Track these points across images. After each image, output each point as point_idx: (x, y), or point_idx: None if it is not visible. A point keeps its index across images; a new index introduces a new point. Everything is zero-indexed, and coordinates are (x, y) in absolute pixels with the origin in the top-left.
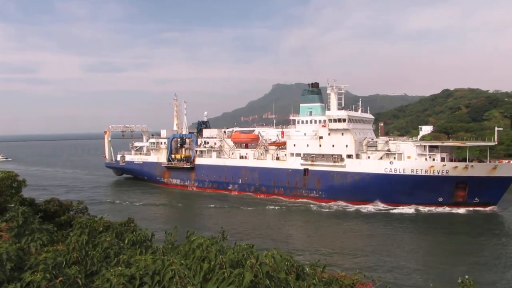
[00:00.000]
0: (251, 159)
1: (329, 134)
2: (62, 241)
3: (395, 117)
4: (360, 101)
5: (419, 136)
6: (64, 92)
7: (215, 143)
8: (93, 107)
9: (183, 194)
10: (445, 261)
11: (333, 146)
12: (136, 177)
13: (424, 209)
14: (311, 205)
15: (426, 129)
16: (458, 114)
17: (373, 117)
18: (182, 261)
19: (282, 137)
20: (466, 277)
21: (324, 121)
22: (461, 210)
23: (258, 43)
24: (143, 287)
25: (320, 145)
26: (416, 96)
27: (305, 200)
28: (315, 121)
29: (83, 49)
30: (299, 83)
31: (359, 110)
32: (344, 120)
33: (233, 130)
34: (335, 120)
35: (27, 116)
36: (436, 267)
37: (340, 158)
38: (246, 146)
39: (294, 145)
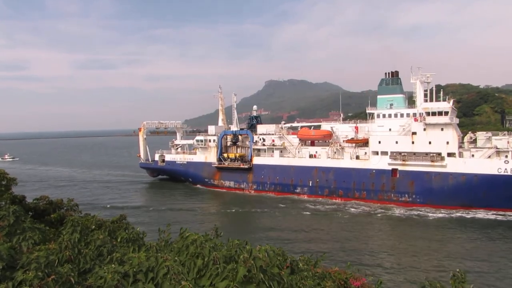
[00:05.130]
0: (324, 158)
1: (424, 129)
2: (54, 239)
3: None
4: (441, 92)
5: None
6: (57, 89)
7: (273, 140)
8: (87, 105)
9: (241, 198)
10: None
11: (429, 143)
12: (176, 179)
13: None
14: (404, 211)
15: None
16: None
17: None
18: (176, 258)
19: (357, 132)
20: (457, 270)
21: (414, 114)
22: None
23: (250, 39)
24: (137, 284)
25: (412, 142)
26: (408, 92)
27: (394, 205)
28: (401, 115)
29: (74, 46)
30: (292, 79)
31: (451, 102)
32: (446, 113)
33: (291, 125)
34: (433, 113)
35: (20, 114)
36: None
37: (439, 156)
38: (312, 144)
39: (379, 142)
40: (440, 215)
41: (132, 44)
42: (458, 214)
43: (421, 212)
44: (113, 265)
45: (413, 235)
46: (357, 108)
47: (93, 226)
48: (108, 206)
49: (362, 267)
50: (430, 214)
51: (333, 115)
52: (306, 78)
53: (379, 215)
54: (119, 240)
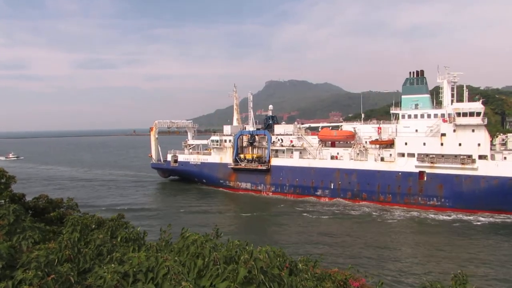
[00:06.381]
0: (347, 160)
1: (454, 130)
2: (54, 238)
3: (388, 114)
4: (467, 91)
5: None
6: (57, 89)
7: (291, 141)
8: (87, 104)
9: (258, 200)
10: None
11: (459, 145)
12: (189, 180)
13: None
14: (434, 216)
15: None
16: None
17: None
18: (176, 258)
19: (379, 133)
20: (459, 271)
21: (442, 114)
22: None
23: (250, 39)
24: (137, 284)
25: (441, 144)
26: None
27: (421, 208)
28: (428, 115)
29: (74, 46)
30: (292, 79)
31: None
32: (478, 114)
33: (309, 126)
34: (465, 114)
35: (20, 113)
36: None
37: (470, 159)
38: (332, 145)
39: (406, 143)
40: (472, 220)
41: (132, 44)
42: (490, 219)
43: (451, 217)
44: (112, 265)
45: (439, 240)
46: (357, 108)
47: (93, 225)
48: (116, 207)
49: (366, 268)
50: (460, 218)
51: (333, 116)
52: (307, 79)
53: (400, 218)
54: (119, 239)
